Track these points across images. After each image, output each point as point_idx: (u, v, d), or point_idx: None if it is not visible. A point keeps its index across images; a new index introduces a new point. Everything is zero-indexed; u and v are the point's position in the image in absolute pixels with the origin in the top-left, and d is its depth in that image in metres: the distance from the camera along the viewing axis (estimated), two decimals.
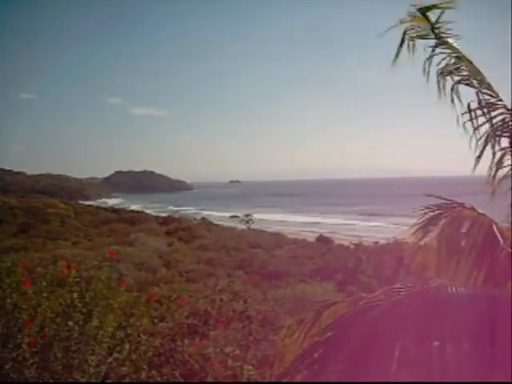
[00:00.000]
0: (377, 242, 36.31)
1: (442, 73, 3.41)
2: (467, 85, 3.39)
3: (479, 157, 3.23)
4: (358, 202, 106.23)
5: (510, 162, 3.23)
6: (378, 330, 2.29)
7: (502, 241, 3.03)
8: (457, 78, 3.41)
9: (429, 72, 3.41)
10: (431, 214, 3.30)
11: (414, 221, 3.36)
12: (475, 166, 3.18)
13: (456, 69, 3.41)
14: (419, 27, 3.45)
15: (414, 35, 3.44)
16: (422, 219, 3.29)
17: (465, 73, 3.39)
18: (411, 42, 3.41)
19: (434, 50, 3.44)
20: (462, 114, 3.30)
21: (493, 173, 3.21)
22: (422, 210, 3.34)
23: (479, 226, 3.13)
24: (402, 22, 3.45)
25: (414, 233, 3.29)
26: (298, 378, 2.49)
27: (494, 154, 3.23)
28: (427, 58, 3.43)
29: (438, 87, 3.38)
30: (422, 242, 3.27)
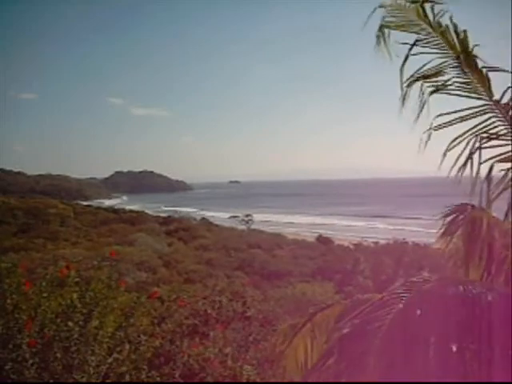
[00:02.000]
0: (377, 243, 36.35)
1: (416, 80, 3.26)
2: (446, 92, 3.27)
3: (467, 160, 3.17)
4: (358, 202, 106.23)
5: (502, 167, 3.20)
6: (405, 323, 2.28)
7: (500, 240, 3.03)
8: (434, 84, 3.26)
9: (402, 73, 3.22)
10: (451, 217, 3.26)
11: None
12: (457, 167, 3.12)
13: (435, 73, 3.24)
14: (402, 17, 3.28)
15: (393, 25, 3.26)
16: (445, 223, 3.24)
17: (445, 77, 3.24)
18: (385, 32, 3.25)
19: (411, 48, 3.23)
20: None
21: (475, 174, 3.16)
22: (442, 213, 3.30)
23: (492, 227, 3.11)
24: (381, 6, 3.28)
25: (441, 237, 3.24)
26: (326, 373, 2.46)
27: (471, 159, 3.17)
28: (404, 59, 3.22)
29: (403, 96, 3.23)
30: (447, 246, 3.24)
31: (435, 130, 3.19)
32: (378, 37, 3.30)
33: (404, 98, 3.26)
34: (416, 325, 2.29)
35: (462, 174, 3.11)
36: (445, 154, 3.11)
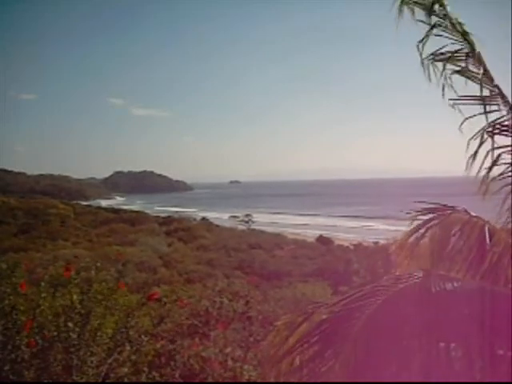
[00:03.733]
0: (377, 243, 36.27)
1: (433, 58, 3.19)
2: (463, 75, 3.26)
3: (475, 154, 3.17)
4: (358, 202, 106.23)
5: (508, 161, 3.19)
6: (384, 316, 2.29)
7: (489, 242, 3.02)
8: (452, 67, 3.20)
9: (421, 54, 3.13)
10: (423, 218, 3.30)
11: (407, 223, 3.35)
12: (470, 164, 3.12)
13: (452, 57, 3.21)
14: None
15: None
16: (414, 224, 3.29)
17: (462, 63, 3.22)
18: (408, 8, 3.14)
19: (431, 29, 3.17)
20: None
21: (487, 172, 3.16)
22: (414, 213, 3.33)
23: (470, 229, 3.12)
24: None
25: (407, 238, 3.28)
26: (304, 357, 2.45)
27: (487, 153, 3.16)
28: (423, 39, 3.16)
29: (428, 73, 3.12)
30: (414, 248, 3.26)
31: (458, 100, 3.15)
32: (399, 10, 3.22)
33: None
34: (396, 318, 2.30)
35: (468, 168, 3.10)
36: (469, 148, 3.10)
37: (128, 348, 4.25)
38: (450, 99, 3.15)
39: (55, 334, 3.95)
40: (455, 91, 3.19)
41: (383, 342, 2.23)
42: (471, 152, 3.11)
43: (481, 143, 3.16)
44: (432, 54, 3.20)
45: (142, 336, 4.42)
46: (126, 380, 4.18)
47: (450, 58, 3.21)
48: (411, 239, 3.28)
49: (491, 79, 3.20)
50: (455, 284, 2.50)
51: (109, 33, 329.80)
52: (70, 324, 3.94)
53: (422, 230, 3.25)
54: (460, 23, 3.20)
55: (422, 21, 3.21)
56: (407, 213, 3.38)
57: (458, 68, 3.22)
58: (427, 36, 3.19)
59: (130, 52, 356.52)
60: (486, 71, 3.20)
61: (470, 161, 3.10)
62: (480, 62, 3.18)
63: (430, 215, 3.29)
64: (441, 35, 3.24)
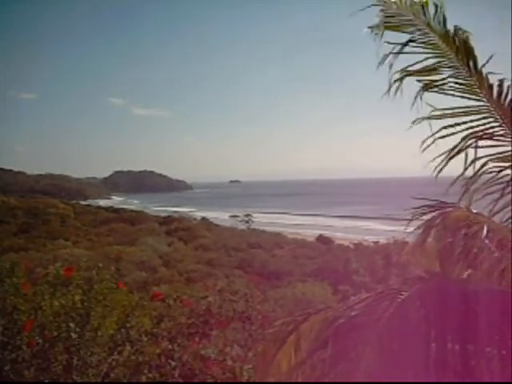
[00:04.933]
0: (377, 242, 36.29)
1: (409, 74, 3.20)
2: (436, 91, 3.22)
3: (451, 158, 3.18)
4: (358, 202, 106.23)
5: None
6: (404, 317, 2.28)
7: (486, 240, 3.01)
8: (426, 81, 3.22)
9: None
10: (427, 216, 3.26)
11: (414, 223, 3.33)
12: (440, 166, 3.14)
13: (431, 69, 3.23)
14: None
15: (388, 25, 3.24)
16: (420, 222, 3.25)
17: (437, 77, 3.21)
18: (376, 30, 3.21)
19: (404, 46, 3.21)
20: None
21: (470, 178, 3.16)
22: (418, 212, 3.30)
23: (474, 227, 3.11)
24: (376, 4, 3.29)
25: (417, 238, 3.24)
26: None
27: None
28: (392, 53, 3.15)
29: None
30: (421, 246, 3.23)
31: (418, 122, 3.19)
32: (375, 33, 3.27)
33: (393, 90, 3.20)
34: (415, 320, 2.29)
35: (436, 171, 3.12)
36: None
37: (128, 348, 4.25)
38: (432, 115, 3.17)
39: (56, 334, 3.96)
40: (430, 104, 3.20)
41: (404, 348, 2.21)
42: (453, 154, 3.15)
43: (459, 150, 3.17)
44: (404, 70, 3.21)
45: (142, 336, 4.42)
46: (125, 380, 4.18)
47: (425, 72, 3.22)
48: (417, 239, 3.24)
49: (474, 91, 3.21)
50: (466, 286, 2.49)
51: (109, 33, 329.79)
52: (71, 324, 3.94)
53: (426, 230, 3.21)
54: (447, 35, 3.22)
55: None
56: (410, 212, 3.34)
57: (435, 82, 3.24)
58: (397, 53, 3.20)
59: (130, 52, 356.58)
60: (466, 84, 3.21)
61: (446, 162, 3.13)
62: (468, 65, 3.20)
63: (432, 213, 3.26)
64: (416, 52, 3.27)
